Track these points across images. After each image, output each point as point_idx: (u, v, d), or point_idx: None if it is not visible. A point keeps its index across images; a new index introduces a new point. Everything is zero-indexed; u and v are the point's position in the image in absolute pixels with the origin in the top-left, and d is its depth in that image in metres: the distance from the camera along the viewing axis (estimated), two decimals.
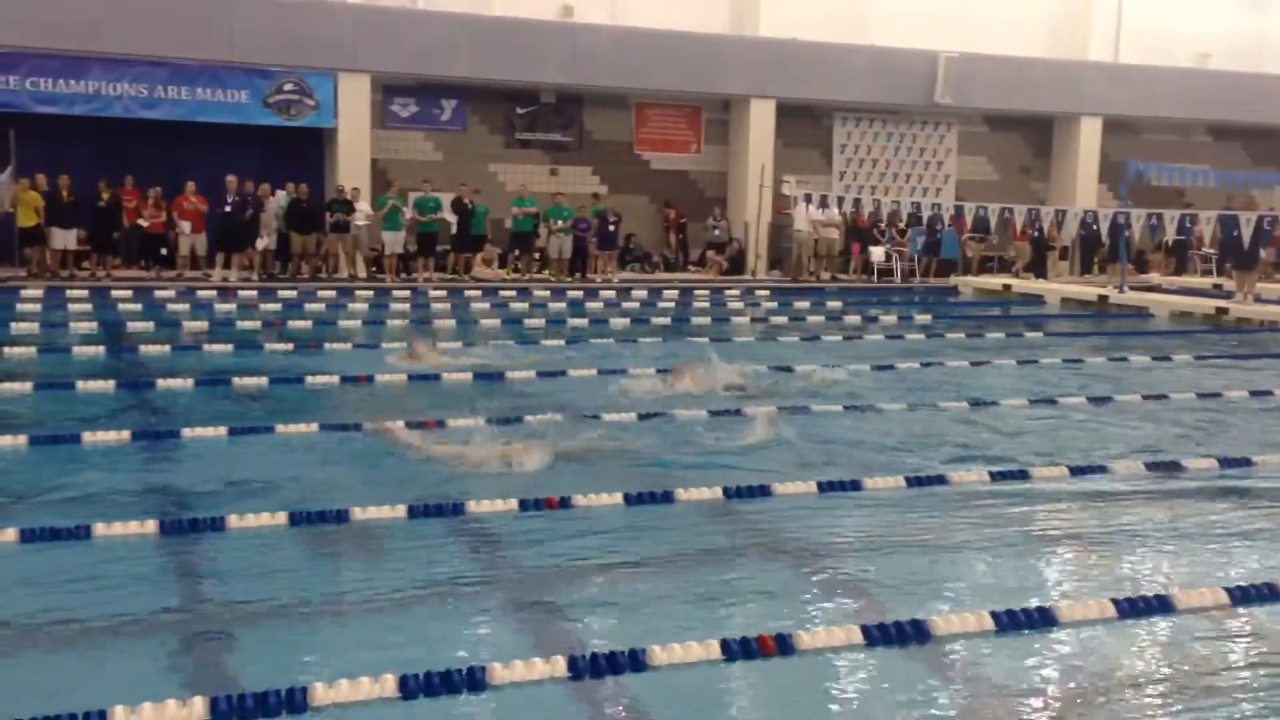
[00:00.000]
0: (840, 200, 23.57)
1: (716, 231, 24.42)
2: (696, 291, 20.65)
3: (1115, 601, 5.20)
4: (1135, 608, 5.19)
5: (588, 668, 4.28)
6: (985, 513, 6.87)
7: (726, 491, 6.88)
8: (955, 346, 14.49)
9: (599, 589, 5.43)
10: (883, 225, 25.16)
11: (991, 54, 25.73)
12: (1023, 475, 7.66)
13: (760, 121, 24.78)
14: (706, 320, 16.87)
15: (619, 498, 6.65)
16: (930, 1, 26.09)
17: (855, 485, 7.24)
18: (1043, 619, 5.02)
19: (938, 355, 13.42)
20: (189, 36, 20.36)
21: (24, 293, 17.01)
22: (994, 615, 4.95)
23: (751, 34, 24.99)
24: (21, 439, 7.70)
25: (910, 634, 4.75)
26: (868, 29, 25.32)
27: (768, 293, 21.09)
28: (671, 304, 18.97)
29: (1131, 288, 21.20)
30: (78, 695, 3.98)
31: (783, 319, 17.13)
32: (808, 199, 24.05)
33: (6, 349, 11.77)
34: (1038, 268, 25.01)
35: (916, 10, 25.87)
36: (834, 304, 19.30)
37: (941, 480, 7.45)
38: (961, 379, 11.95)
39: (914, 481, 7.36)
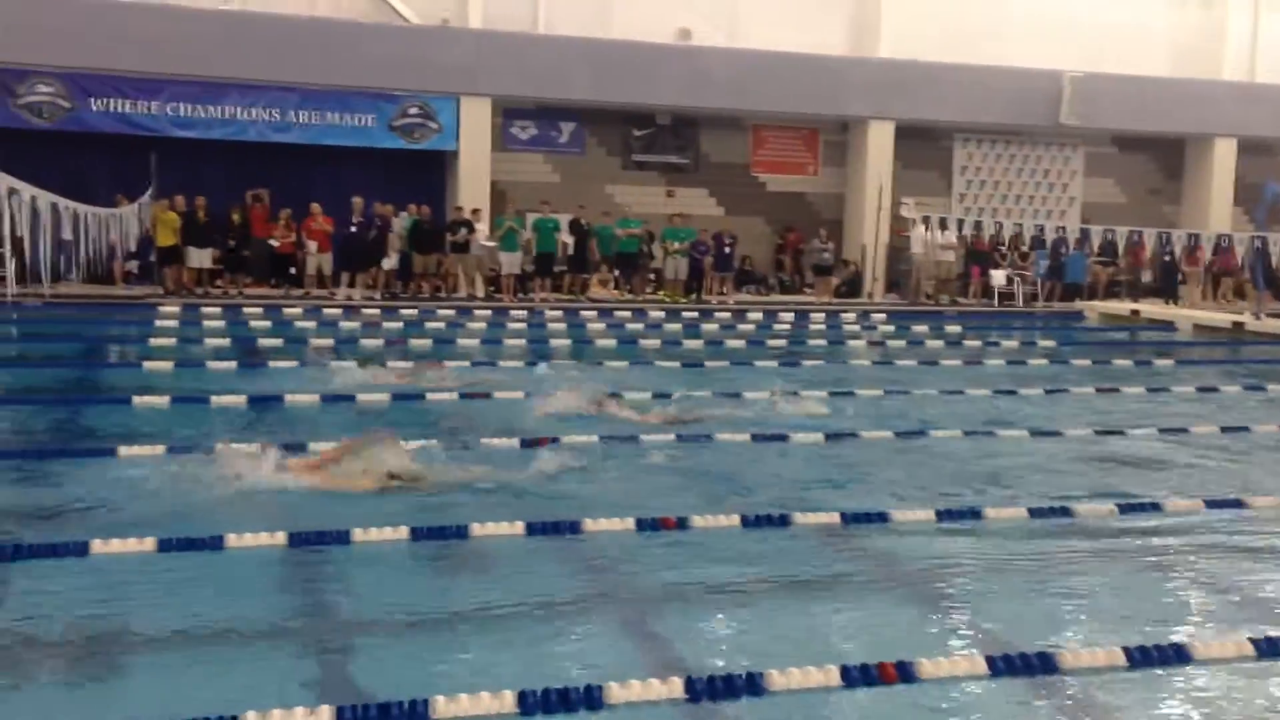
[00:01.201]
0: (960, 223, 23.18)
1: (825, 254, 24.24)
2: (812, 315, 20.49)
3: (1254, 641, 4.98)
4: (1275, 647, 4.96)
5: (705, 690, 4.25)
6: (1114, 545, 6.65)
7: (844, 517, 6.79)
8: (1081, 373, 14.11)
9: (715, 611, 5.39)
10: (1004, 248, 24.66)
11: (1119, 73, 25.07)
12: (1154, 508, 7.40)
13: (879, 143, 24.55)
14: (822, 343, 16.73)
15: (736, 520, 6.62)
16: (1054, 21, 25.56)
17: (975, 514, 7.08)
18: (1177, 656, 4.84)
19: (1062, 381, 13.07)
20: (319, 62, 21.02)
21: (162, 309, 17.69)
22: (1126, 650, 4.78)
23: (871, 55, 24.78)
24: (160, 449, 7.98)
25: (1037, 666, 4.62)
26: (990, 49, 24.89)
27: (884, 316, 20.82)
28: (787, 326, 18.85)
29: (1270, 315, 20.38)
30: (210, 700, 4.09)
31: (900, 342, 16.89)
32: (926, 221, 23.71)
33: (146, 363, 12.24)
34: (1168, 293, 24.22)
35: (1040, 30, 25.37)
36: (953, 328, 18.97)
37: (1066, 511, 7.23)
38: (1088, 406, 11.62)
39: (1037, 511, 7.16)
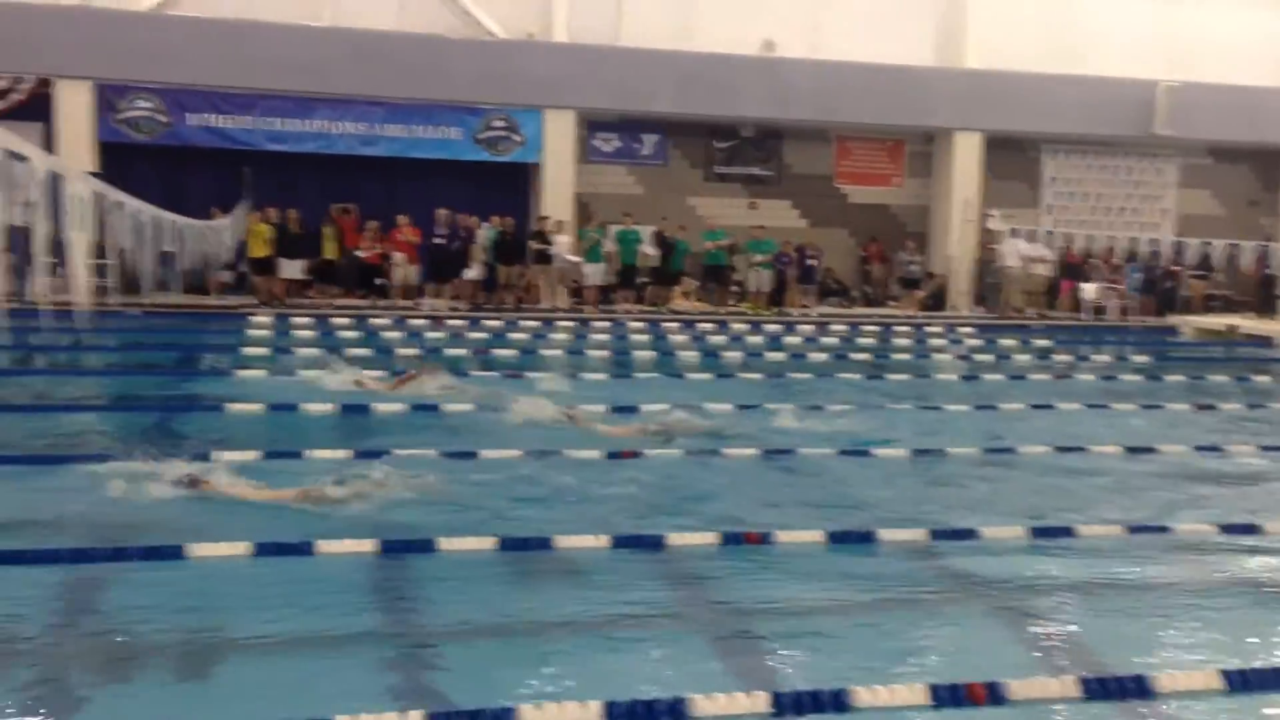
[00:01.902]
0: (1050, 235, 22.77)
1: (912, 266, 23.94)
2: (897, 328, 20.27)
3: None
4: None
5: (791, 705, 4.21)
6: (1211, 566, 6.47)
7: (933, 533, 6.69)
8: (1176, 389, 13.76)
9: (800, 626, 5.34)
10: (1095, 261, 24.16)
11: (1215, 83, 24.42)
12: (1252, 529, 7.17)
13: (965, 154, 24.23)
14: (907, 357, 16.53)
15: (820, 535, 6.55)
16: (1146, 30, 24.99)
17: (1068, 531, 6.92)
18: (1277, 681, 4.68)
19: (1157, 398, 12.76)
20: (406, 77, 21.35)
21: (253, 319, 18.08)
22: (1224, 674, 4.64)
23: (957, 65, 24.47)
24: (252, 454, 8.14)
25: (1132, 689, 4.50)
26: (1080, 58, 24.41)
27: (971, 329, 20.51)
28: (871, 340, 18.67)
29: None
30: (302, 703, 4.16)
31: (988, 357, 16.63)
32: (1015, 234, 23.33)
33: (239, 372, 12.51)
34: (1266, 307, 23.51)
35: (1131, 39, 24.82)
36: (1042, 342, 18.63)
37: (1163, 529, 7.05)
38: (1184, 422, 11.32)
39: (1134, 529, 6.99)
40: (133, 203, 14.39)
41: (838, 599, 5.74)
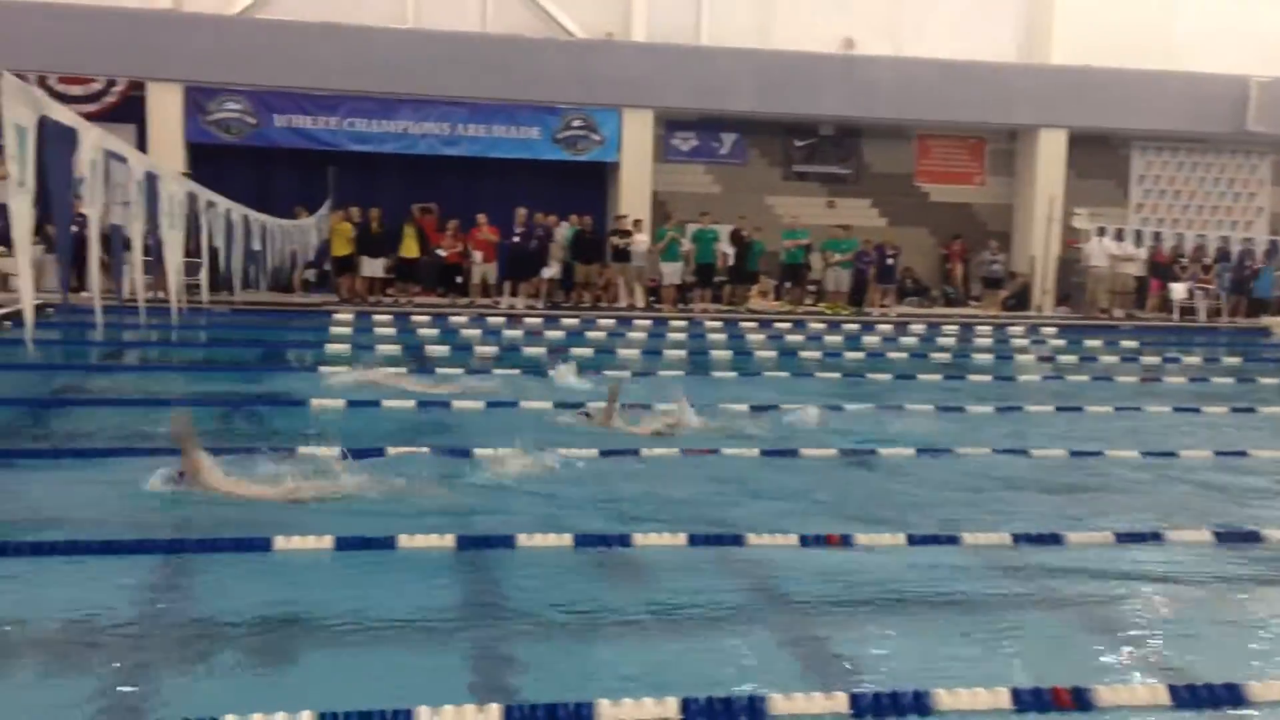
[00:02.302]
0: (1138, 234, 22.27)
1: (995, 266, 23.57)
2: (978, 328, 19.97)
3: None
4: None
5: (870, 706, 4.17)
6: None
7: (1016, 537, 6.57)
8: (1269, 391, 13.37)
9: (879, 628, 5.29)
10: (1185, 261, 23.58)
11: None
12: None
13: (1050, 152, 23.81)
14: (989, 358, 16.29)
15: (902, 538, 6.48)
16: (1237, 25, 24.30)
17: (1155, 537, 6.76)
18: None
19: (1249, 400, 12.41)
20: (487, 77, 21.56)
21: (336, 316, 18.39)
22: None
23: (1042, 62, 24.04)
24: (334, 450, 8.27)
25: (1224, 698, 4.38)
26: (1169, 53, 23.86)
27: (1055, 330, 20.15)
28: (952, 340, 18.43)
29: None
30: (382, 694, 4.21)
31: (1072, 358, 16.31)
32: (1102, 232, 22.86)
33: (322, 368, 12.72)
34: None
35: (1222, 33, 24.15)
36: (1129, 343, 18.23)
37: (1254, 536, 6.85)
38: (1276, 426, 11.00)
39: (1224, 535, 6.80)
40: (223, 202, 14.73)
41: (919, 601, 5.66)
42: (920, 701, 4.21)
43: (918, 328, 19.59)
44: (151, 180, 10.13)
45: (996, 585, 6.00)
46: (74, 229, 9.58)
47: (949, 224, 24.74)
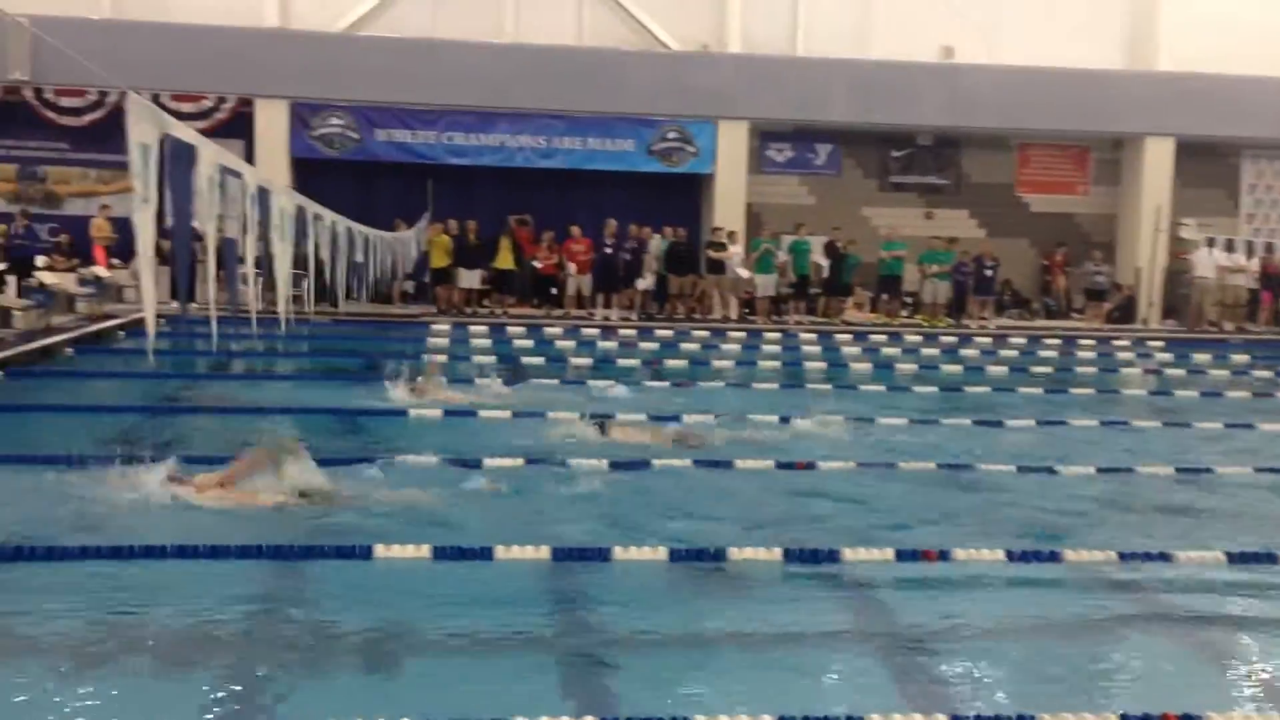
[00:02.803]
0: (1249, 245, 21.57)
1: (1098, 277, 22.99)
2: (1081, 341, 19.53)
3: None
4: None
5: None
6: None
7: (1122, 555, 6.41)
8: None
9: (978, 647, 5.19)
10: None
11: None
12: None
13: (1156, 161, 23.19)
14: (1092, 372, 15.91)
15: (1001, 554, 6.36)
16: None
17: (1269, 558, 6.54)
18: None
19: None
20: (583, 90, 21.73)
21: (434, 327, 18.69)
22: None
23: (1148, 69, 23.44)
24: (434, 458, 8.40)
25: None
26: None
27: (1162, 343, 19.60)
28: (1053, 353, 18.04)
29: None
30: (479, 704, 4.26)
31: (1180, 372, 15.86)
32: (1210, 243, 22.19)
33: (418, 379, 12.92)
34: None
35: None
36: (1240, 357, 17.66)
37: None
38: None
39: None
40: (329, 215, 15.08)
41: (1019, 620, 5.56)
42: None
43: (1018, 341, 19.22)
44: (263, 194, 10.40)
45: (1101, 604, 5.85)
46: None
47: (1051, 234, 24.23)
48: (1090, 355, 18.05)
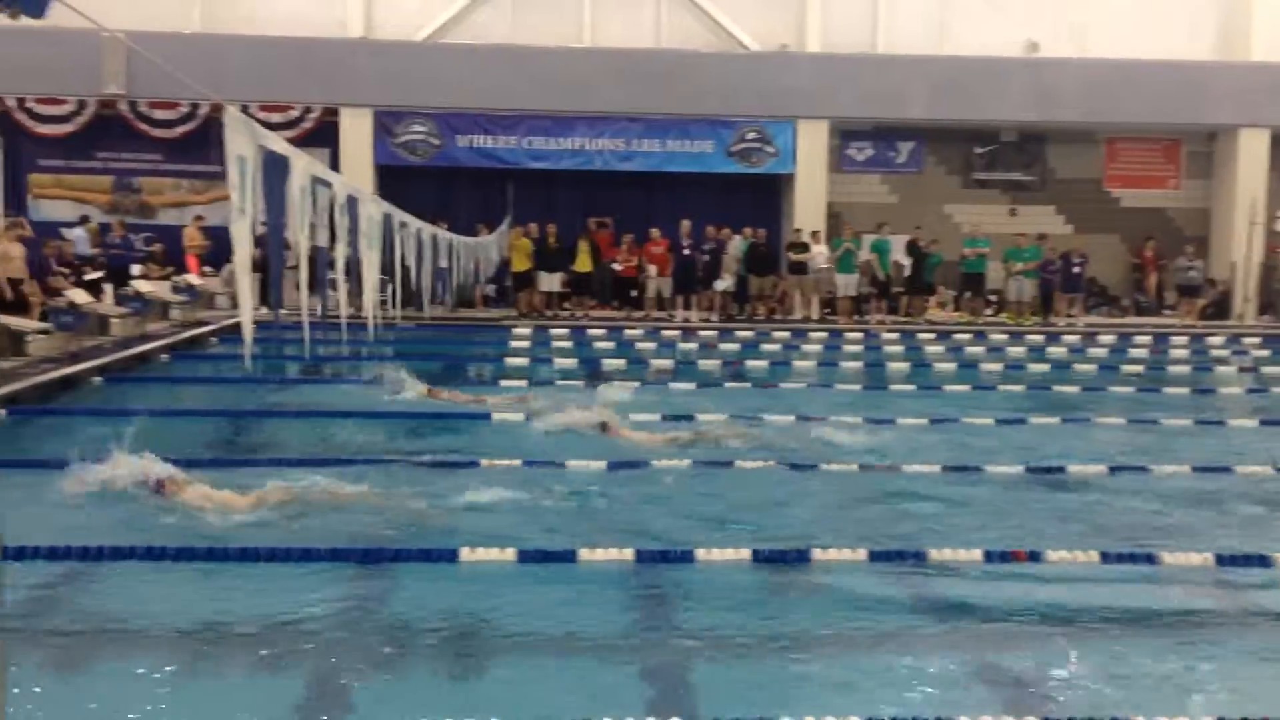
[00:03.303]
0: None
1: (1191, 273, 22.41)
2: (1173, 338, 19.06)
3: None
4: None
5: None
6: None
7: (1220, 559, 6.24)
8: None
9: (1068, 650, 5.09)
10: None
11: None
12: None
13: (1251, 152, 22.56)
14: (1185, 369, 15.53)
15: (1095, 556, 6.23)
16: None
17: None
18: None
19: None
20: (662, 93, 21.78)
21: (515, 330, 18.86)
22: None
23: (1241, 58, 22.81)
24: (517, 461, 8.48)
25: None
26: None
27: (1258, 340, 19.04)
28: (1144, 351, 17.63)
29: None
30: (564, 706, 4.29)
31: (1276, 369, 15.39)
32: None
33: (502, 381, 13.07)
34: None
35: None
36: None
37: None
38: None
39: None
40: (414, 222, 15.32)
41: (1111, 623, 5.44)
42: None
43: (1107, 338, 18.82)
44: (352, 203, 10.60)
45: (1197, 607, 5.72)
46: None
47: (1141, 229, 23.69)
48: (1183, 353, 17.61)
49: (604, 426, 9.71)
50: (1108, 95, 22.04)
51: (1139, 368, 15.54)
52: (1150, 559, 6.24)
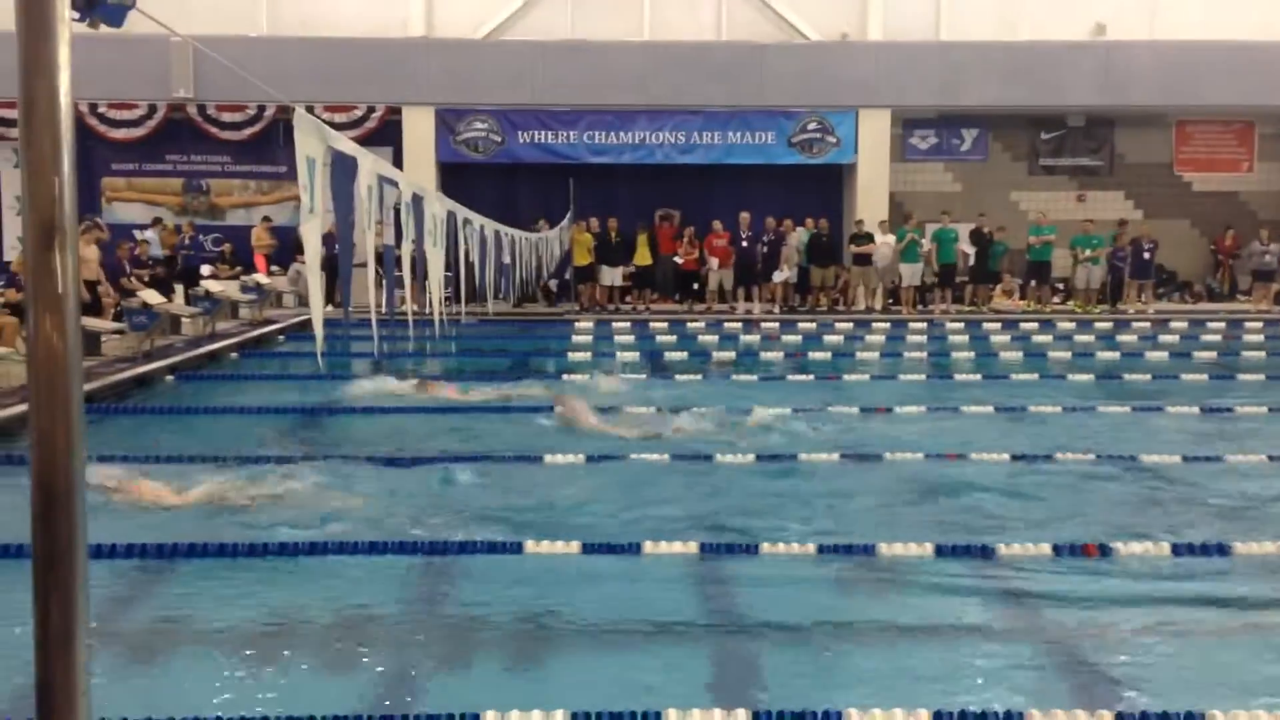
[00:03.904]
0: None
1: (1266, 257, 21.86)
2: (1247, 324, 18.63)
3: None
4: None
5: None
6: None
7: None
8: None
9: (1142, 643, 5.02)
10: None
11: None
12: None
13: None
14: (1260, 356, 15.18)
15: (1166, 548, 6.13)
16: None
17: None
18: None
19: None
20: (723, 85, 21.71)
21: (577, 324, 18.94)
22: None
23: None
24: (579, 456, 8.53)
25: None
26: None
27: None
28: (1217, 337, 17.26)
29: None
30: (630, 696, 4.31)
31: None
32: None
33: (565, 376, 13.14)
34: None
35: None
36: None
37: None
38: None
39: None
40: (477, 219, 15.44)
41: (1183, 617, 5.34)
42: None
43: (1178, 325, 18.45)
44: (417, 201, 10.70)
45: (1272, 599, 5.60)
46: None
47: (1213, 214, 23.18)
48: (1257, 339, 17.22)
49: (563, 413, 9.87)
50: (1179, 77, 21.57)
51: (1212, 354, 15.22)
52: (1223, 550, 6.12)
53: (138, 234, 20.37)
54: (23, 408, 9.22)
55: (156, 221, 21.50)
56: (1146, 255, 21.33)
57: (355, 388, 11.78)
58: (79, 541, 1.52)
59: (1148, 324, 18.79)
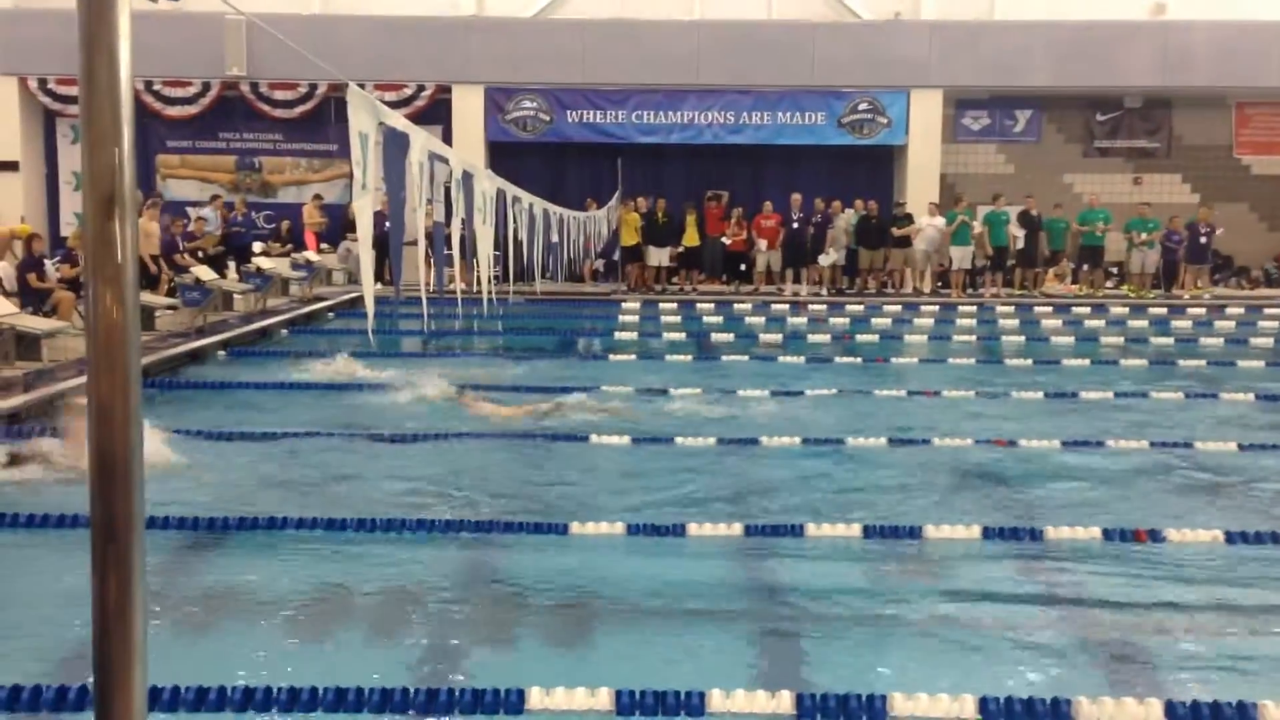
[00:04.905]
0: None
1: None
2: None
3: None
4: None
5: (1188, 717, 3.92)
6: None
7: None
8: None
9: (1194, 631, 4.96)
10: None
11: None
12: None
13: None
14: None
15: (1219, 534, 6.04)
16: None
17: None
18: None
19: None
20: (773, 65, 21.55)
21: (624, 305, 18.93)
22: None
23: None
24: (625, 439, 8.54)
25: None
26: None
27: None
28: (1276, 323, 16.93)
29: None
30: (675, 676, 4.31)
31: None
32: None
33: (611, 355, 13.16)
34: None
35: None
36: None
37: None
38: None
39: None
40: (526, 197, 15.46)
41: (1235, 606, 5.27)
42: (1245, 713, 3.93)
43: (1235, 310, 18.13)
44: (467, 178, 10.72)
45: None
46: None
47: (1273, 198, 22.71)
48: None
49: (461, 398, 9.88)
50: (1239, 58, 21.12)
51: (1269, 340, 14.95)
52: (1277, 539, 6.02)
53: (193, 211, 20.59)
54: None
55: (215, 199, 21.74)
56: (1204, 239, 20.94)
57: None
58: (137, 513, 1.54)
59: (1203, 309, 18.48)
